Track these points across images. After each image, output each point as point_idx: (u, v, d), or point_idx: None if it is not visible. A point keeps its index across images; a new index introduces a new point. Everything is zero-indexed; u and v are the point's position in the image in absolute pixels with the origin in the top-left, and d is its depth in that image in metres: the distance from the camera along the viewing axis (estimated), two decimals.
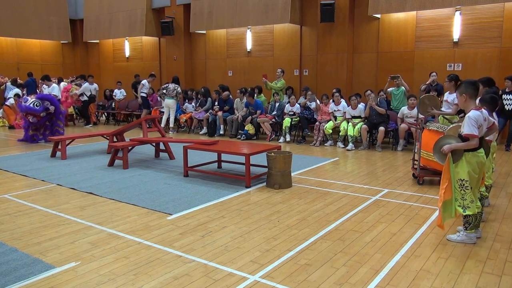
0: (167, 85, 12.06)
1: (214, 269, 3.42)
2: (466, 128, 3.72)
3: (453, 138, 3.94)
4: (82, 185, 6.11)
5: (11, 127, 13.42)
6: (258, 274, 3.32)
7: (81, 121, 14.77)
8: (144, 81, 13.08)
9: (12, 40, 16.17)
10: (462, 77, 8.25)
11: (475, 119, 3.72)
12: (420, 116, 6.51)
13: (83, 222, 4.57)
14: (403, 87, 9.41)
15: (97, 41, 17.58)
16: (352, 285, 3.14)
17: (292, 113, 10.44)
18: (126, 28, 15.65)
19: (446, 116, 6.48)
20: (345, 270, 3.38)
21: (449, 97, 6.61)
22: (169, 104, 11.98)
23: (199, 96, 12.47)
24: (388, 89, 9.63)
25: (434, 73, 9.13)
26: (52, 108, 10.00)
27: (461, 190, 3.85)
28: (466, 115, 3.79)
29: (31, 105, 9.74)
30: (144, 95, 13.02)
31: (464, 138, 3.79)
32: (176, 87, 11.98)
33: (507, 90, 8.62)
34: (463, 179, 3.83)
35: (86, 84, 13.61)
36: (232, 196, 5.56)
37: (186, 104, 12.71)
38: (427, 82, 7.69)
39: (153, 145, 8.45)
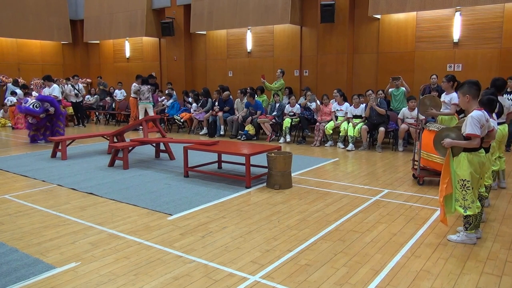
0: (139, 87, 12.12)
1: (214, 269, 3.43)
2: (469, 127, 3.72)
3: (454, 131, 3.93)
4: (82, 186, 6.11)
5: (13, 127, 13.44)
6: (258, 274, 3.33)
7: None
8: (143, 87, 13.01)
9: (12, 40, 16.18)
10: (462, 77, 8.26)
11: (478, 119, 3.72)
12: (421, 117, 6.51)
13: (83, 223, 4.57)
14: (403, 88, 9.43)
15: (98, 41, 17.59)
16: (352, 286, 3.14)
17: (292, 113, 10.44)
18: (126, 28, 15.66)
19: (445, 117, 6.49)
20: (345, 271, 3.38)
21: (446, 97, 6.62)
22: (146, 107, 12.16)
23: (199, 97, 12.48)
24: (390, 89, 9.63)
25: (434, 76, 9.16)
26: (52, 109, 10.01)
27: (462, 190, 3.86)
28: (469, 115, 3.80)
29: (31, 106, 9.76)
30: None
31: (466, 138, 3.79)
32: (150, 89, 12.13)
33: (508, 90, 8.60)
34: (465, 179, 3.84)
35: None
36: (232, 196, 5.56)
37: (190, 101, 12.73)
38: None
39: (153, 146, 8.46)
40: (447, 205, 3.95)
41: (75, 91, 13.88)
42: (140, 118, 12.17)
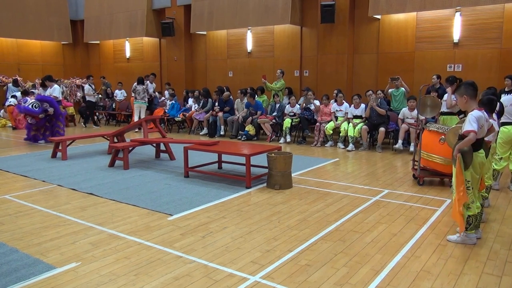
0: (135, 87, 12.32)
1: (214, 269, 3.43)
2: (467, 125, 3.74)
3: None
4: (82, 186, 6.12)
5: (14, 128, 13.44)
6: (258, 274, 3.33)
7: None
8: (147, 83, 13.21)
9: (12, 41, 16.17)
10: (463, 78, 8.26)
11: (477, 117, 3.74)
12: (421, 117, 6.52)
13: (83, 223, 4.57)
14: (403, 88, 9.43)
15: (98, 41, 17.60)
16: (353, 286, 3.14)
17: (293, 113, 10.45)
18: (126, 29, 15.67)
19: (447, 117, 6.53)
20: (346, 271, 3.38)
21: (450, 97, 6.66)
22: (140, 106, 12.36)
23: (200, 97, 12.48)
24: (390, 90, 9.63)
25: (434, 76, 9.13)
26: (51, 110, 9.99)
27: None
28: (469, 114, 3.81)
29: (30, 106, 9.77)
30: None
31: (464, 137, 3.79)
32: (145, 89, 12.28)
33: (506, 89, 8.60)
34: (465, 180, 3.84)
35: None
36: (233, 196, 5.56)
37: (191, 103, 12.76)
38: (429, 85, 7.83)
39: (153, 146, 8.46)
40: (464, 213, 3.87)
41: (94, 91, 13.91)
42: (135, 117, 12.42)
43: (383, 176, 6.67)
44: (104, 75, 17.27)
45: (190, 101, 12.92)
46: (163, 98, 13.70)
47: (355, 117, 9.47)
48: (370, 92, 9.26)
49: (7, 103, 13.94)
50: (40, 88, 11.75)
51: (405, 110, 8.84)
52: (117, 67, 17.28)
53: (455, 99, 6.32)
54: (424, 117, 6.52)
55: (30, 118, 9.96)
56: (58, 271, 3.42)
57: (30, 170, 7.18)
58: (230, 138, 10.92)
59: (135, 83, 12.44)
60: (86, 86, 14.05)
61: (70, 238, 4.13)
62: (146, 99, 12.43)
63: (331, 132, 9.58)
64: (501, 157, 5.64)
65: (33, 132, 10.30)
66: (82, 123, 14.10)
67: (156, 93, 13.92)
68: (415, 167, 6.36)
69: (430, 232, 4.23)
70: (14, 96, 13.88)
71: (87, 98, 14.01)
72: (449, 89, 6.87)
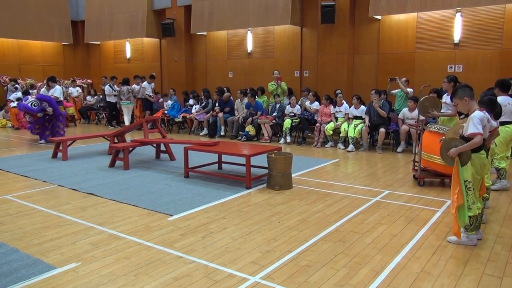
0: (120, 88, 12.46)
1: (214, 270, 3.43)
2: (471, 127, 3.73)
3: (459, 141, 3.92)
4: (83, 186, 6.12)
5: (17, 128, 13.44)
6: (258, 275, 3.33)
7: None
8: (145, 83, 13.27)
9: (13, 41, 16.18)
10: (463, 78, 8.25)
11: (480, 118, 3.74)
12: (421, 118, 6.50)
13: (84, 223, 4.57)
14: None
15: (98, 42, 17.61)
16: (353, 287, 3.14)
17: (293, 114, 10.44)
18: (127, 29, 15.68)
19: (445, 118, 6.50)
20: (346, 272, 3.38)
21: (447, 98, 6.62)
22: (127, 107, 12.59)
23: (202, 98, 12.47)
24: (393, 91, 9.62)
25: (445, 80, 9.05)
26: (49, 109, 9.97)
27: (464, 191, 3.85)
28: (471, 115, 3.80)
29: (29, 104, 9.80)
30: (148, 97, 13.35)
31: (468, 139, 3.78)
32: (130, 89, 12.55)
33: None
34: (467, 180, 3.84)
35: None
36: (233, 197, 5.56)
37: (191, 103, 12.80)
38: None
39: (154, 146, 8.47)
40: (460, 217, 3.85)
41: (114, 91, 13.94)
42: (125, 118, 12.66)
43: (384, 177, 6.66)
44: (104, 75, 17.31)
45: (191, 101, 12.93)
46: (161, 99, 13.71)
47: (355, 117, 9.47)
48: (373, 92, 9.22)
49: (12, 104, 13.96)
50: (43, 88, 11.76)
51: (405, 111, 8.84)
52: (118, 67, 17.28)
53: (453, 104, 6.28)
54: (424, 118, 6.50)
55: (28, 116, 10.00)
56: (58, 271, 3.42)
57: (30, 170, 7.19)
58: (230, 139, 10.92)
59: (135, 84, 12.53)
60: (106, 87, 13.90)
61: (70, 238, 4.13)
62: (132, 99, 12.56)
63: (331, 132, 9.57)
64: (504, 156, 5.65)
65: (36, 130, 10.35)
66: (113, 124, 13.93)
67: (158, 95, 13.95)
68: (416, 168, 6.35)
69: (431, 233, 4.23)
70: (19, 99, 13.88)
71: (107, 99, 13.95)
72: (447, 98, 6.76)
